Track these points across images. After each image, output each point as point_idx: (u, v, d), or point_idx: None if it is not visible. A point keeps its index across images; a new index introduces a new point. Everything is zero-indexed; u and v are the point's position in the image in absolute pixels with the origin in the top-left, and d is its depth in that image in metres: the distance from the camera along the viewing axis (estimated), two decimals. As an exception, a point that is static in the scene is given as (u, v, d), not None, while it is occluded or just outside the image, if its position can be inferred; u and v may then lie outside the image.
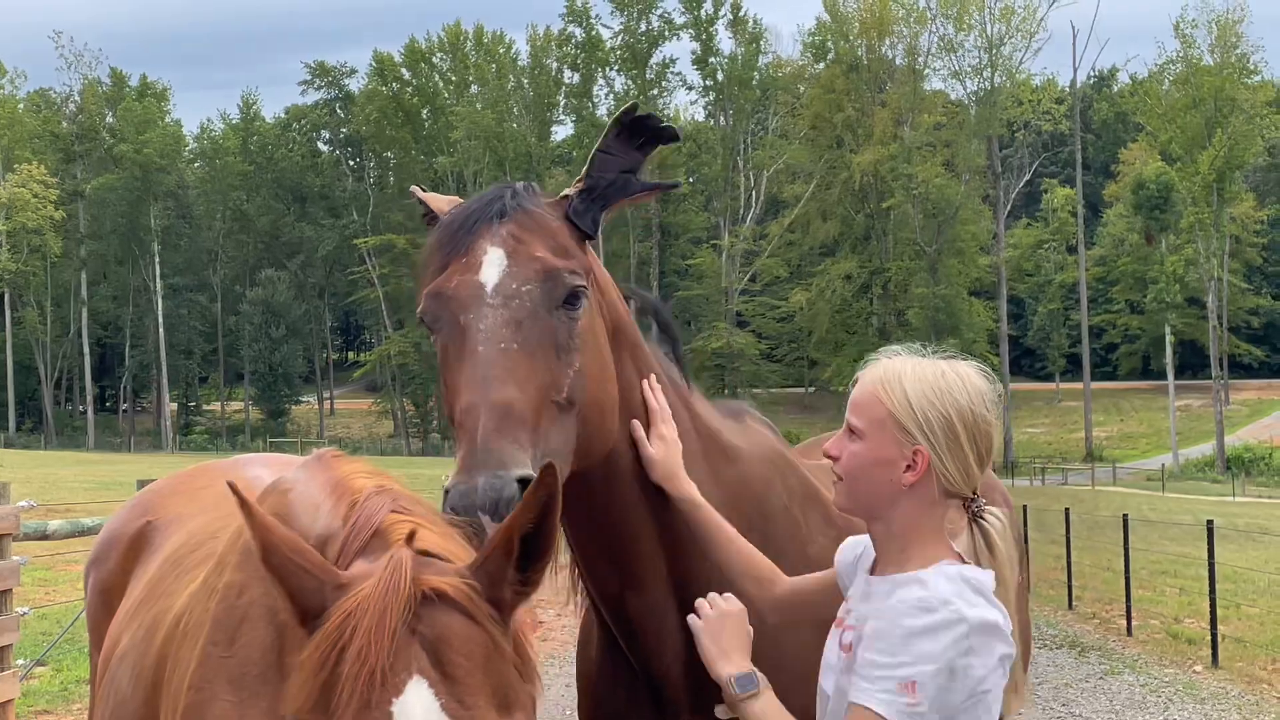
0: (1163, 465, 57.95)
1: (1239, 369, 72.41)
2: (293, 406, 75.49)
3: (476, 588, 1.53)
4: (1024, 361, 79.84)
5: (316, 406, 79.28)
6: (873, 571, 2.02)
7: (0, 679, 7.62)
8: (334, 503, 1.98)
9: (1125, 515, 15.54)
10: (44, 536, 8.82)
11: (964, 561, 1.92)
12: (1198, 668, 11.42)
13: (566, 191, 2.34)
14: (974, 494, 1.96)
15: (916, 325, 66.16)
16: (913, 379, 1.93)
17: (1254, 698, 9.85)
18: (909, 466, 1.91)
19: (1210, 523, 12.50)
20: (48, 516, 10.20)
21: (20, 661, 8.33)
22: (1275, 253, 73.16)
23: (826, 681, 2.01)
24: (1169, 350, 64.46)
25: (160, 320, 71.93)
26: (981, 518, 1.96)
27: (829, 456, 2.02)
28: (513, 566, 1.56)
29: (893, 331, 67.63)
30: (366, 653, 1.43)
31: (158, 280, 72.43)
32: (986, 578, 1.88)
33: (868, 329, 68.13)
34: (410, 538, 1.63)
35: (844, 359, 66.83)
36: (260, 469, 2.97)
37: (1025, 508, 15.50)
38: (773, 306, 71.37)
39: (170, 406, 73.97)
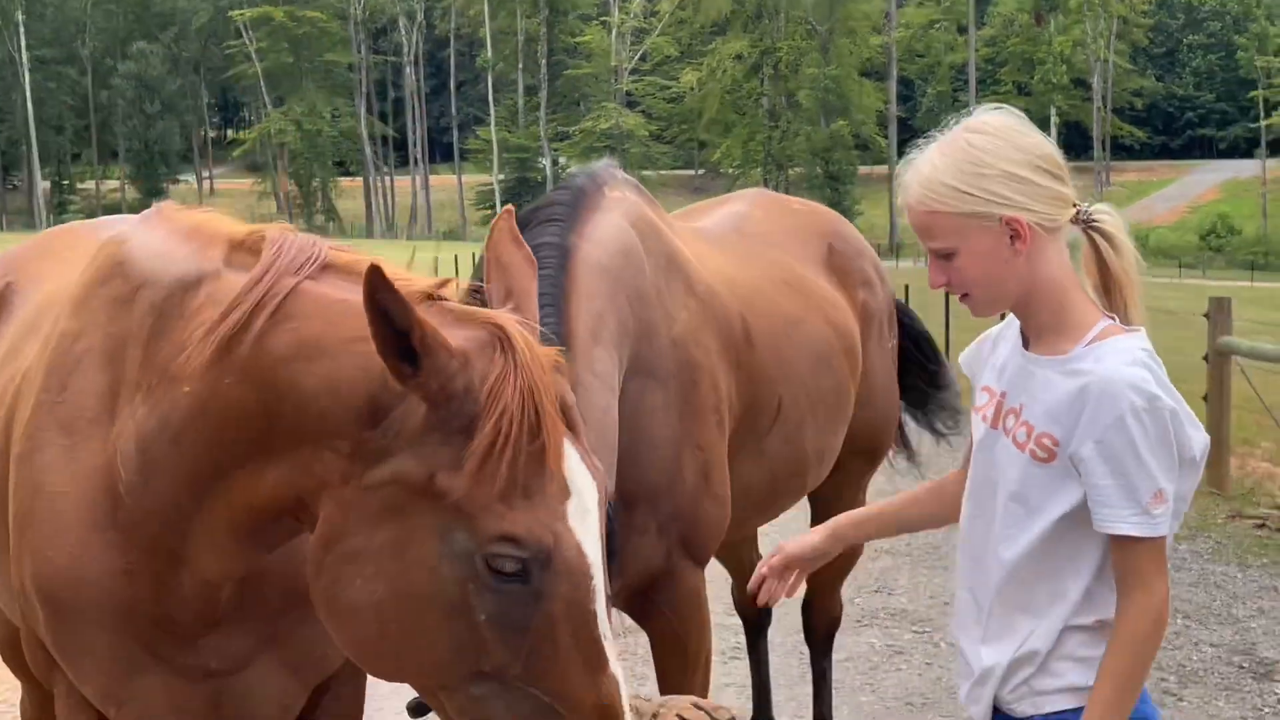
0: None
1: (1121, 151, 72.87)
2: (171, 186, 72.37)
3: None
4: (912, 141, 78.71)
5: (195, 186, 76.46)
6: (1027, 348, 1.94)
7: None
8: (197, 246, 1.98)
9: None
10: None
11: (1109, 312, 1.87)
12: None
13: None
14: (1074, 207, 1.87)
15: (807, 106, 65.95)
16: (948, 170, 1.83)
17: None
18: (1014, 237, 1.83)
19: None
20: None
21: None
22: (1162, 33, 72.92)
23: (998, 458, 1.92)
24: (1054, 131, 63.04)
25: (28, 94, 68.16)
26: (1094, 223, 1.89)
27: (943, 287, 1.96)
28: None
29: (782, 113, 67.39)
30: (547, 433, 1.54)
31: (23, 52, 68.25)
32: (1148, 347, 1.85)
33: (758, 110, 67.14)
34: (441, 286, 1.71)
35: (734, 140, 66.73)
36: (116, 226, 2.72)
37: (906, 287, 15.51)
38: (663, 87, 69.65)
39: (43, 185, 71.28)
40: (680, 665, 2.87)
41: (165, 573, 1.99)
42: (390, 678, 1.80)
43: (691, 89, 68.10)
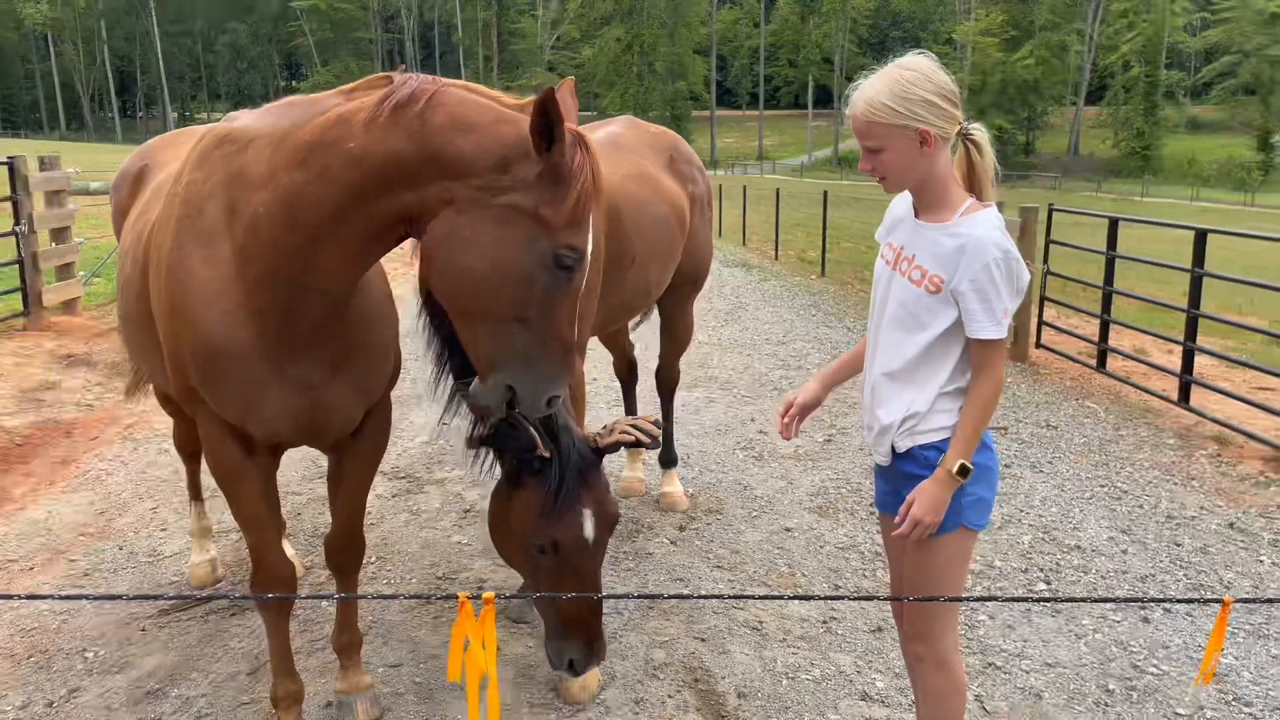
0: (802, 163, 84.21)
1: None
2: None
3: None
4: (725, 98, 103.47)
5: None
6: (918, 216, 2.42)
7: (67, 285, 9.55)
8: (304, 105, 2.50)
9: (778, 190, 20.05)
10: (88, 192, 10.87)
11: (974, 197, 2.37)
12: (813, 276, 15.60)
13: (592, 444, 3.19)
14: (961, 124, 2.33)
15: (660, 72, 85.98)
16: (887, 93, 2.26)
17: (843, 292, 13.78)
18: (923, 143, 2.28)
19: (825, 193, 17.14)
20: (91, 179, 11.53)
21: (81, 274, 10.07)
22: (876, 29, 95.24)
23: (894, 288, 2.44)
24: (810, 92, 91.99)
25: (160, 55, 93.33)
26: (970, 135, 2.36)
27: (869, 173, 2.38)
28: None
29: (646, 76, 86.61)
30: (596, 198, 2.36)
31: (156, 27, 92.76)
32: (1000, 216, 2.37)
33: (629, 73, 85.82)
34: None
35: (615, 94, 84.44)
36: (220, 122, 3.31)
37: (720, 186, 21.02)
38: (571, 58, 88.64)
39: (172, 115, 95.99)
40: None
41: (291, 300, 2.55)
42: (466, 311, 2.40)
43: (589, 59, 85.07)
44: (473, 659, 1.71)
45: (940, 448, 2.42)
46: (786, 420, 2.74)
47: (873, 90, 2.29)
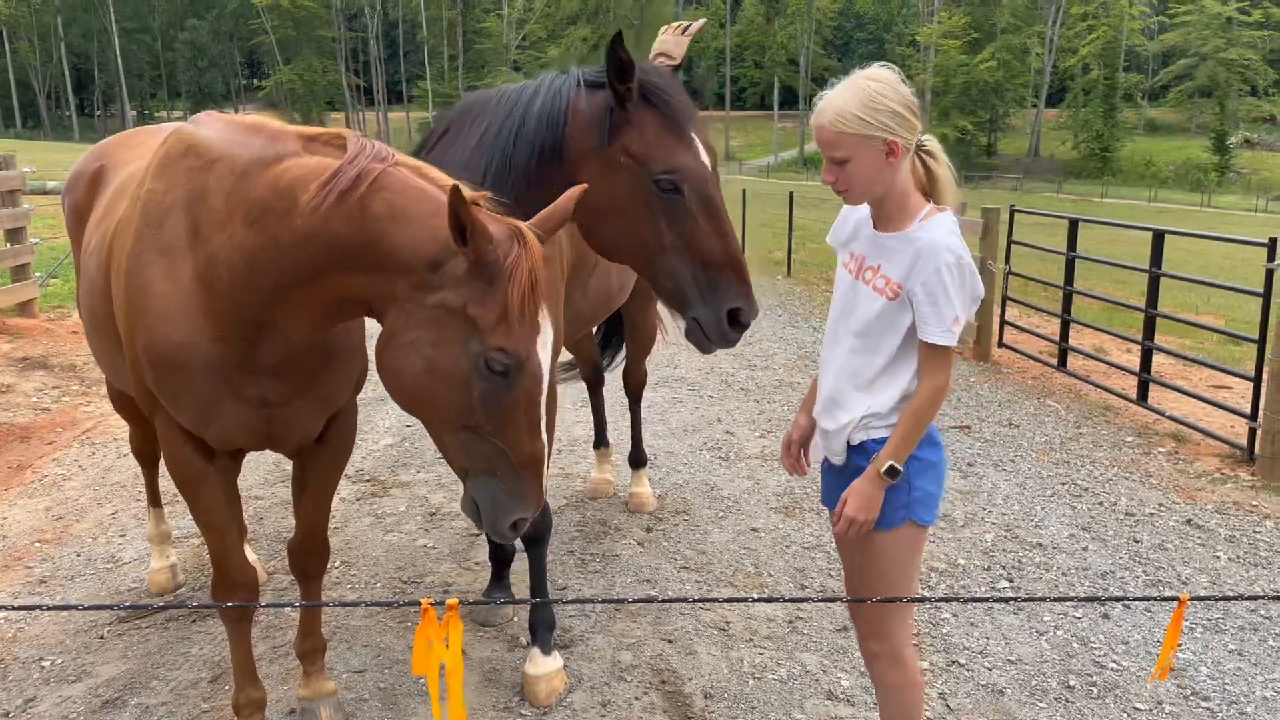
0: (768, 163, 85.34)
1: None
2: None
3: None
4: (691, 98, 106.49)
5: (218, 111, 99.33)
6: (876, 228, 2.44)
7: (23, 286, 9.49)
8: (267, 137, 2.46)
9: (744, 190, 19.40)
10: (44, 192, 10.26)
11: (931, 202, 2.40)
12: (779, 276, 15.55)
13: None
14: (918, 139, 2.36)
15: None
16: (855, 104, 2.27)
17: (809, 292, 13.86)
18: (889, 154, 2.30)
19: (791, 194, 17.21)
20: (48, 179, 11.04)
21: (38, 275, 10.04)
22: (841, 32, 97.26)
23: (859, 299, 2.44)
24: (776, 93, 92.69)
25: (118, 52, 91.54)
26: (924, 148, 2.41)
27: (837, 189, 2.39)
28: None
29: None
30: (535, 297, 2.19)
31: (114, 24, 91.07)
32: (955, 219, 2.39)
33: None
34: (468, 202, 2.11)
35: None
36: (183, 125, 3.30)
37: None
38: (536, 57, 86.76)
39: (131, 113, 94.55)
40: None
41: (252, 336, 2.55)
42: (416, 415, 2.39)
43: (554, 59, 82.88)
44: (435, 654, 1.70)
45: (869, 448, 2.47)
46: (793, 459, 2.73)
47: (841, 100, 2.30)
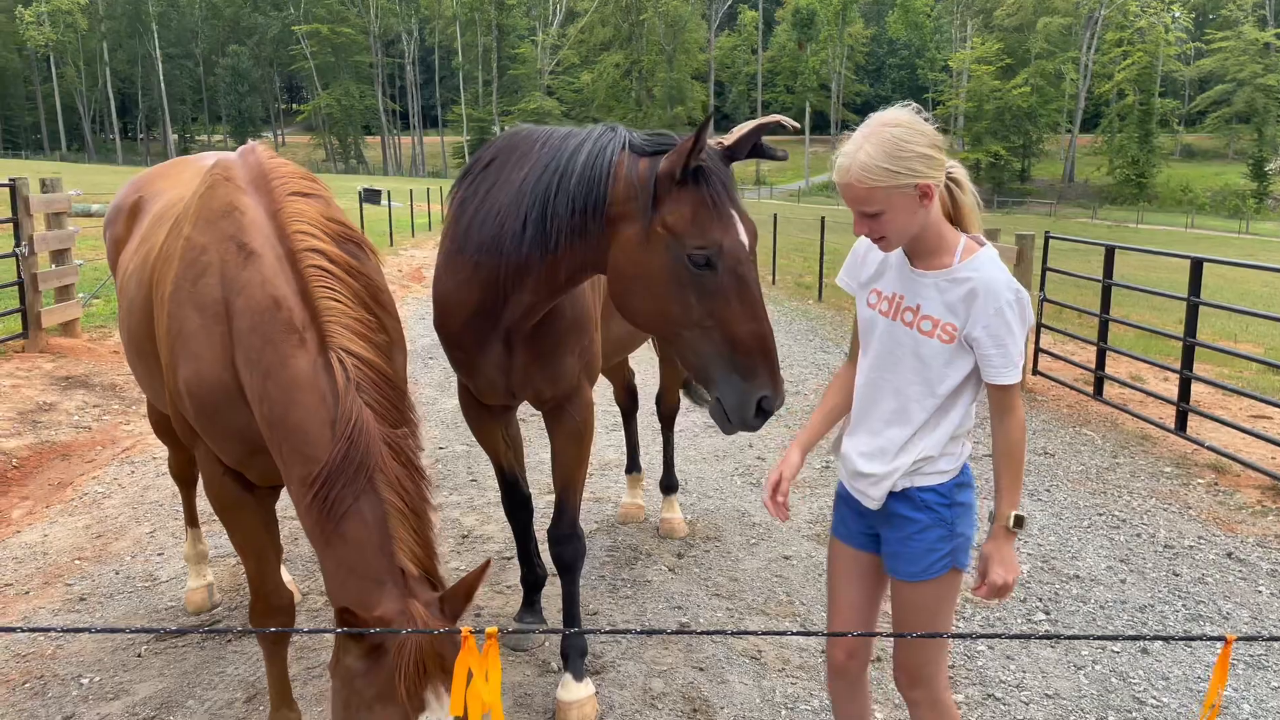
0: (799, 188, 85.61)
1: (847, 129, 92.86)
2: (256, 140, 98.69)
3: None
4: (722, 123, 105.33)
5: (271, 140, 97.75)
6: (913, 265, 2.36)
7: (67, 306, 9.65)
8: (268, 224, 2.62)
9: (775, 215, 20.14)
10: (89, 214, 11.27)
11: (966, 233, 2.34)
12: (810, 301, 15.54)
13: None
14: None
15: (659, 97, 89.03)
16: (880, 156, 2.18)
17: (839, 317, 13.76)
18: (923, 196, 2.22)
19: (823, 219, 17.27)
20: (91, 201, 12.03)
21: (81, 295, 10.23)
22: (873, 57, 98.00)
23: (900, 340, 2.37)
24: (807, 118, 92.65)
25: (161, 78, 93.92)
26: (951, 175, 2.34)
27: (872, 239, 2.33)
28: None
29: (643, 101, 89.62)
30: (419, 673, 2.06)
31: (158, 50, 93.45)
32: (994, 250, 2.33)
33: (629, 98, 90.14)
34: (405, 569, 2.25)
35: (613, 119, 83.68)
36: (213, 159, 3.40)
37: None
38: (569, 83, 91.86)
39: (173, 137, 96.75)
40: (578, 444, 3.54)
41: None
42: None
43: (587, 84, 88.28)
44: (475, 693, 1.70)
45: (938, 490, 2.42)
46: (780, 500, 2.56)
47: (865, 155, 2.20)
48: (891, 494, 2.45)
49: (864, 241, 2.50)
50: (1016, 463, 2.35)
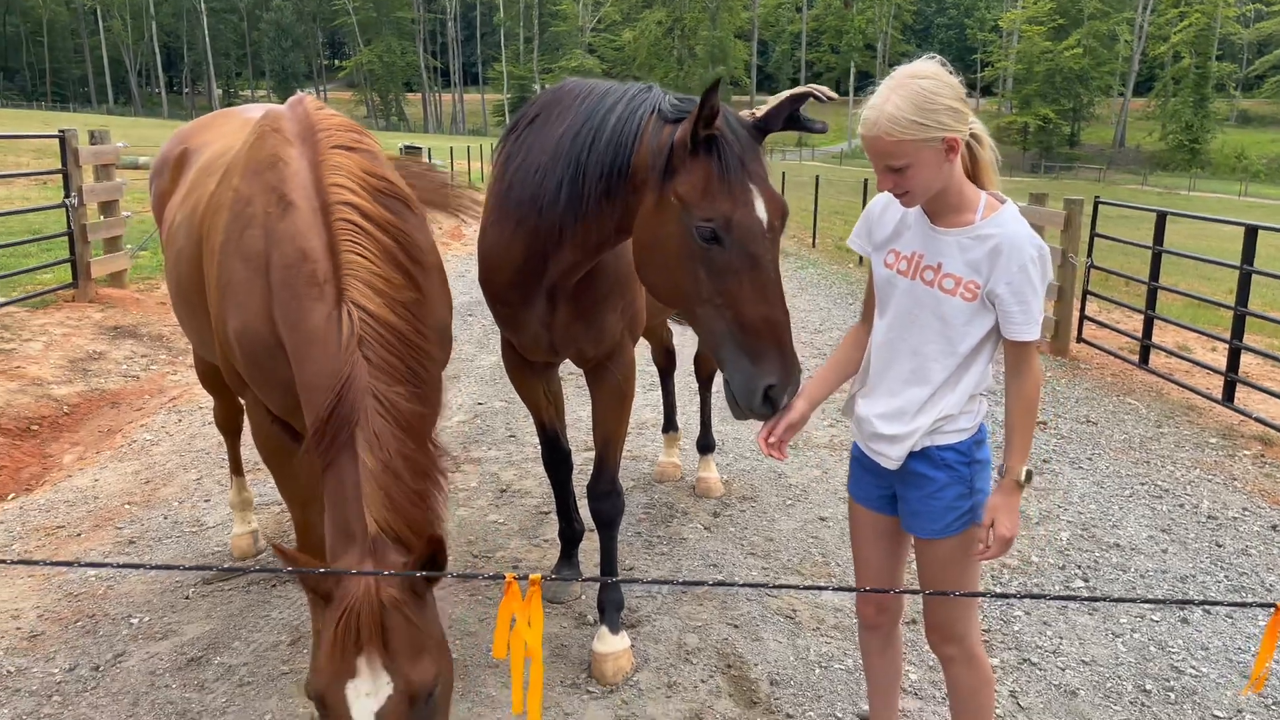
0: (841, 150, 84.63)
1: None
2: (303, 93, 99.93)
3: (406, 599, 2.03)
4: (766, 83, 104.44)
5: (314, 96, 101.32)
6: (934, 223, 2.32)
7: (114, 257, 9.94)
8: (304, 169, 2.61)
9: (817, 177, 20.29)
10: (136, 167, 11.80)
11: (985, 190, 2.30)
12: (850, 264, 15.64)
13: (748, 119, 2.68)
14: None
15: (701, 56, 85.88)
16: (909, 108, 2.13)
17: None
18: (949, 150, 2.17)
19: (865, 181, 16.88)
20: (139, 154, 12.53)
21: (129, 246, 10.40)
22: (921, 16, 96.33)
23: (921, 299, 2.35)
24: (852, 78, 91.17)
25: (206, 33, 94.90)
26: (972, 131, 2.29)
27: (896, 194, 2.27)
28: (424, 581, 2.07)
29: (686, 60, 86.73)
30: (352, 637, 1.97)
31: (202, 3, 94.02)
32: (1014, 205, 2.31)
33: (671, 57, 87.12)
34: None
35: (655, 77, 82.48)
36: (256, 112, 3.56)
37: None
38: (611, 40, 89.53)
39: (217, 91, 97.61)
40: (620, 402, 3.55)
41: None
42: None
43: (629, 42, 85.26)
44: (518, 637, 1.72)
45: (957, 448, 2.42)
46: (774, 439, 2.53)
47: (894, 107, 2.15)
48: (910, 453, 2.44)
49: (879, 202, 2.48)
50: (1030, 419, 2.36)
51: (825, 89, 2.79)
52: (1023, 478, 2.35)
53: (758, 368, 2.52)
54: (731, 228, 2.53)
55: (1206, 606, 4.25)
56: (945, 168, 2.20)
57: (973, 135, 2.31)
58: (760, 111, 2.71)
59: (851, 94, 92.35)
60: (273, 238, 2.55)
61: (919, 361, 2.39)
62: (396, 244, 2.58)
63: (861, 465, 2.62)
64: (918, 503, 2.48)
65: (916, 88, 2.14)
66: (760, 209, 2.59)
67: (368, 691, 1.97)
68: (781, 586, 1.92)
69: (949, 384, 2.38)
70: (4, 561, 1.69)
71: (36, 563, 1.68)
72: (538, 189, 2.98)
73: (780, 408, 2.54)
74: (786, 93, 2.71)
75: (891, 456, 2.45)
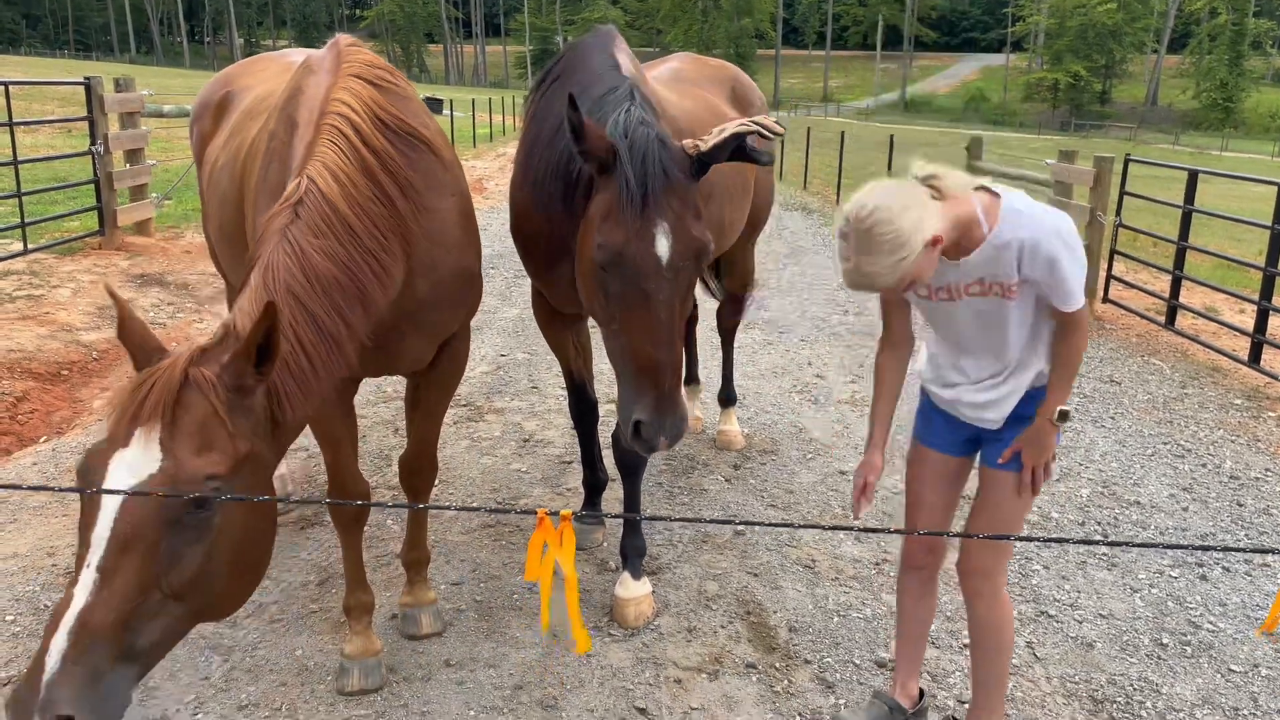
0: (867, 105, 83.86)
1: (920, 45, 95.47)
2: (320, 46, 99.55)
3: (219, 379, 1.98)
4: (791, 36, 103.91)
5: (352, 37, 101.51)
6: (950, 258, 2.35)
7: (139, 206, 9.91)
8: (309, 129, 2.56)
9: (842, 133, 19.86)
10: (160, 115, 11.60)
11: (971, 194, 2.33)
12: None
13: (688, 150, 2.66)
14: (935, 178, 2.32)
15: (725, 7, 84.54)
16: (884, 260, 2.15)
17: None
18: (934, 244, 2.21)
19: (891, 137, 17.57)
20: (163, 102, 12.37)
21: (154, 195, 10.42)
22: None
23: (962, 313, 2.45)
24: (880, 32, 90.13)
25: None
26: (929, 184, 2.29)
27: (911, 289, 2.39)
28: (252, 365, 2.02)
29: (710, 12, 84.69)
30: (138, 405, 1.90)
31: None
32: (1014, 192, 2.36)
33: (694, 9, 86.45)
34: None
35: (678, 30, 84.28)
36: (297, 57, 3.68)
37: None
38: None
39: (239, 41, 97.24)
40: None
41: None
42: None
43: None
44: (548, 565, 1.77)
45: (1032, 395, 2.55)
46: (866, 499, 2.68)
47: (868, 265, 2.17)
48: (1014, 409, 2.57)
49: None
50: (1072, 369, 2.47)
51: (773, 124, 2.79)
52: (1056, 416, 2.46)
53: (636, 401, 2.52)
54: (623, 260, 2.50)
55: (1225, 563, 4.27)
56: (935, 252, 2.24)
57: (933, 186, 2.28)
58: (705, 144, 2.68)
59: (879, 49, 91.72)
60: (286, 165, 2.57)
61: (991, 345, 2.50)
62: (384, 169, 2.55)
63: (938, 413, 2.72)
64: (1011, 440, 2.58)
65: (877, 235, 2.14)
66: (660, 245, 2.53)
67: (129, 465, 1.83)
68: (805, 525, 1.96)
69: (1030, 345, 2.49)
70: (59, 489, 1.74)
71: (72, 489, 1.74)
72: (542, 169, 3.08)
73: (655, 448, 2.52)
74: (731, 127, 2.70)
75: (994, 419, 2.57)
